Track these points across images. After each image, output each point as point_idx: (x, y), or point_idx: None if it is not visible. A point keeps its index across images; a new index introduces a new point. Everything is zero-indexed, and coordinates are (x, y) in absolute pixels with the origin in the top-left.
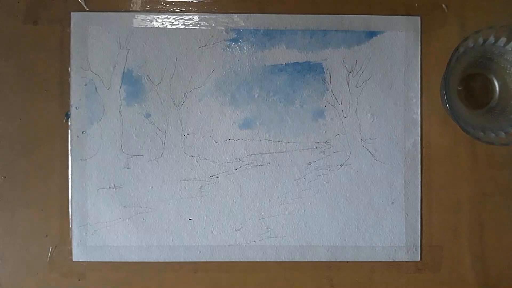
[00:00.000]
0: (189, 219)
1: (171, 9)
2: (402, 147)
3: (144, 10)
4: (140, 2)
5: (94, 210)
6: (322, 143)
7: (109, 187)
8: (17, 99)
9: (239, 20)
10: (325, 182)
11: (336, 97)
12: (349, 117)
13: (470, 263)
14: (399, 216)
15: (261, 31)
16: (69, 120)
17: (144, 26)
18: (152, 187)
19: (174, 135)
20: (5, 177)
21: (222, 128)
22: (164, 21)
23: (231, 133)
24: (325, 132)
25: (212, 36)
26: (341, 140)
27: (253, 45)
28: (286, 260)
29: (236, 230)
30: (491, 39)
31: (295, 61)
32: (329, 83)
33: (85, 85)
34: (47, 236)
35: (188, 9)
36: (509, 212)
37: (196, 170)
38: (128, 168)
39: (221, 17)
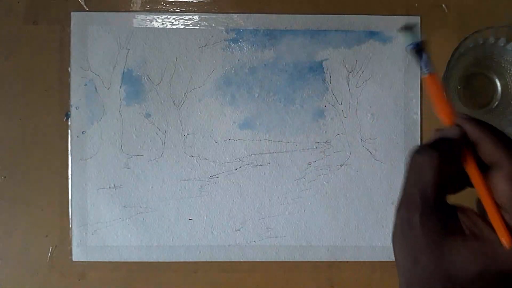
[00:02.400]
0: (189, 219)
1: (171, 9)
2: (402, 147)
3: (144, 10)
4: (140, 2)
5: (94, 210)
6: (322, 143)
7: (109, 187)
8: (17, 99)
9: (239, 20)
10: (325, 182)
11: (336, 97)
12: (349, 117)
13: None
14: None
15: (261, 31)
16: (69, 120)
17: (144, 26)
18: (152, 187)
19: (174, 135)
20: (5, 177)
21: (222, 128)
22: (164, 21)
23: (231, 133)
24: (325, 132)
25: (212, 36)
26: (341, 140)
27: (253, 45)
28: (286, 260)
29: (236, 230)
30: (491, 39)
31: (295, 61)
32: (329, 83)
33: (85, 85)
34: (47, 236)
35: (188, 9)
36: None
37: (196, 170)
38: (128, 168)
39: (221, 17)
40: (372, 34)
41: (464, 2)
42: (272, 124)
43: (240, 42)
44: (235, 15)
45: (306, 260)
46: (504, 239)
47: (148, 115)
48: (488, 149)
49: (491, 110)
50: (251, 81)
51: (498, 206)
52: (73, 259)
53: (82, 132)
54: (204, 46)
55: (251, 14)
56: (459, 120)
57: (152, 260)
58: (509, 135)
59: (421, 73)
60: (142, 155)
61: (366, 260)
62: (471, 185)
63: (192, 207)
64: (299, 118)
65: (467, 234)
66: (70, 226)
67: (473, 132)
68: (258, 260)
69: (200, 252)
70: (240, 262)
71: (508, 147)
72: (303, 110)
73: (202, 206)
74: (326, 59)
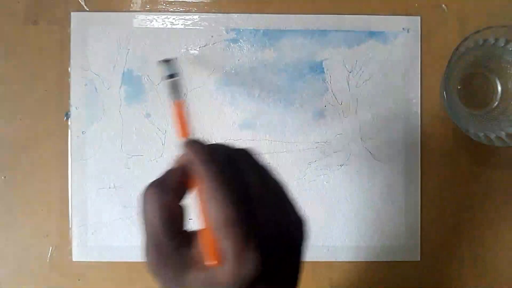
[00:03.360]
0: (189, 219)
1: (171, 9)
2: (402, 147)
3: (144, 10)
4: (140, 2)
5: (94, 210)
6: (322, 143)
7: (109, 187)
8: (17, 99)
9: (239, 20)
10: (325, 182)
11: (336, 97)
12: (349, 117)
13: (470, 263)
14: (399, 216)
15: (261, 31)
16: (69, 120)
17: (144, 26)
18: None
19: (174, 135)
20: (5, 177)
21: (222, 128)
22: (164, 21)
23: (231, 133)
24: (325, 132)
25: (212, 36)
26: (341, 140)
27: (253, 45)
28: None
29: None
30: (491, 39)
31: (295, 61)
32: (329, 83)
33: (85, 85)
34: (47, 236)
35: (188, 9)
36: (509, 212)
37: None
38: (128, 168)
39: (221, 17)
40: (372, 34)
41: (464, 2)
42: (272, 124)
43: (240, 42)
44: (235, 15)
45: (306, 260)
46: (210, 259)
47: (148, 115)
48: (196, 169)
49: (491, 110)
50: (251, 81)
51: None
52: (73, 259)
53: (82, 132)
54: (204, 46)
55: (251, 14)
56: (184, 145)
57: None
58: (509, 135)
59: (172, 98)
60: (142, 155)
61: (366, 260)
62: None
63: (192, 207)
64: (299, 118)
65: (199, 265)
66: (70, 226)
67: (188, 154)
68: None
69: None
70: None
71: (206, 164)
72: (303, 110)
73: None
74: (326, 59)
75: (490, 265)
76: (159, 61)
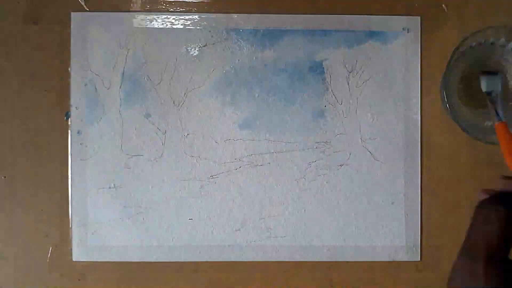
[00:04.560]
0: (189, 219)
1: (171, 9)
2: (402, 147)
3: (144, 10)
4: (140, 2)
5: (94, 210)
6: (322, 143)
7: (109, 187)
8: (17, 99)
9: (239, 20)
10: (325, 182)
11: (336, 97)
12: (349, 117)
13: None
14: (399, 216)
15: (261, 31)
16: (69, 120)
17: (144, 26)
18: (152, 187)
19: (174, 135)
20: (5, 177)
21: (222, 128)
22: (164, 21)
23: (231, 133)
24: (325, 132)
25: (212, 36)
26: (341, 140)
27: (253, 45)
28: (286, 260)
29: (236, 230)
30: (491, 39)
31: (295, 61)
32: (329, 83)
33: (85, 85)
34: (47, 236)
35: (188, 9)
36: None
37: (196, 170)
38: (128, 168)
39: (221, 17)
40: (372, 34)
41: (464, 2)
42: (272, 124)
43: (240, 42)
44: (235, 15)
45: (306, 260)
46: None
47: (148, 115)
48: None
49: None
50: (251, 81)
51: None
52: (73, 259)
53: (82, 132)
54: (204, 46)
55: (251, 14)
56: None
57: (152, 260)
58: None
59: (495, 119)
60: (142, 155)
61: (366, 260)
62: None
63: (192, 207)
64: (299, 118)
65: None
66: (70, 226)
67: None
68: (258, 260)
69: (200, 252)
70: (240, 262)
71: None
72: (303, 110)
73: (202, 206)
74: (326, 59)
75: None
76: (480, 72)
